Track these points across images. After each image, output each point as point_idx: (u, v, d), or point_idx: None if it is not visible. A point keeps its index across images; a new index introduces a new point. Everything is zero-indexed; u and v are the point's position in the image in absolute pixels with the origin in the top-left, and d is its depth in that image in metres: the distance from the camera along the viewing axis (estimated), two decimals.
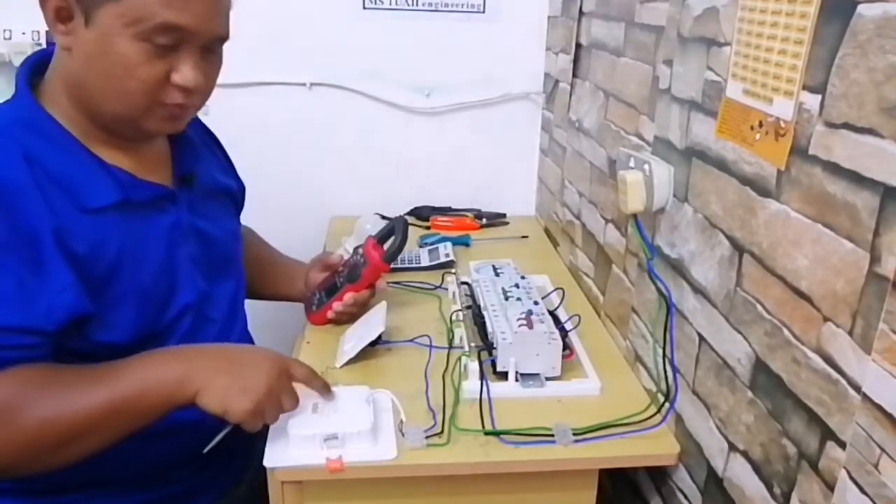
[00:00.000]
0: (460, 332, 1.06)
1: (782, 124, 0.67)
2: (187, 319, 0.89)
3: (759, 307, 0.71)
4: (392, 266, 1.10)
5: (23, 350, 0.73)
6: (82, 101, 0.81)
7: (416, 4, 1.55)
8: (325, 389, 0.84)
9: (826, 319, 0.61)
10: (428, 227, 1.57)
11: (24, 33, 1.46)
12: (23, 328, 0.73)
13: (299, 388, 0.83)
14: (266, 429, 0.84)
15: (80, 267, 0.76)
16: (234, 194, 1.08)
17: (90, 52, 0.76)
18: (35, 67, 0.84)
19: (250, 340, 1.06)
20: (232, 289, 0.99)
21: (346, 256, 1.15)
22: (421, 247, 1.43)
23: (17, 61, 1.43)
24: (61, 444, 0.73)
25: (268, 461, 0.80)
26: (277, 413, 0.80)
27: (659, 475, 0.95)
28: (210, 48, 0.82)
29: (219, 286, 0.95)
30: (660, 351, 0.93)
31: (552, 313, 1.04)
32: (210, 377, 0.76)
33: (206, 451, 0.81)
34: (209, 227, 0.94)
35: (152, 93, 0.78)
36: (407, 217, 1.59)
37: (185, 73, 0.78)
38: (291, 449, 0.80)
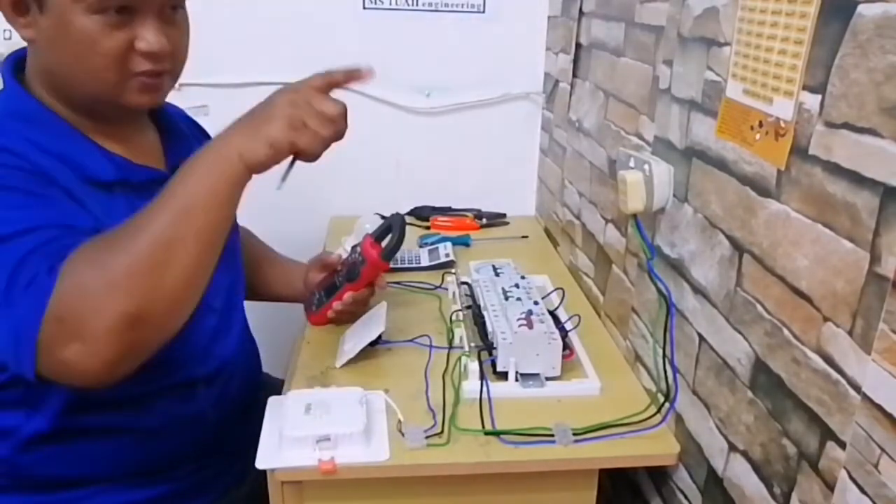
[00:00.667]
0: (460, 332, 1.06)
1: (782, 124, 0.67)
2: None
3: (759, 307, 0.71)
4: (392, 266, 1.10)
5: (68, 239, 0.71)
6: (59, 90, 0.81)
7: (416, 4, 1.55)
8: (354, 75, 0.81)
9: (826, 319, 0.61)
10: (428, 227, 1.57)
11: None
12: (57, 224, 0.72)
13: (294, 391, 0.83)
14: None
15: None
16: None
17: (51, 37, 0.77)
18: (17, 64, 0.84)
19: (250, 336, 1.05)
20: (228, 280, 0.98)
21: (345, 256, 1.15)
22: (421, 247, 1.43)
23: None
24: (158, 266, 0.68)
25: (260, 462, 0.80)
26: (320, 119, 0.74)
27: (659, 475, 0.95)
28: (169, 9, 0.81)
29: (217, 275, 0.95)
30: (660, 351, 0.93)
31: (552, 313, 1.04)
32: (238, 127, 0.73)
33: (278, 188, 0.79)
34: None
35: (119, 65, 0.78)
36: (407, 217, 1.59)
37: (147, 39, 0.77)
38: (284, 450, 0.80)
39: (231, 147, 0.72)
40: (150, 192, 0.86)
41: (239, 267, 1.03)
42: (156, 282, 0.68)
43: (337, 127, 0.76)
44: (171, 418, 0.87)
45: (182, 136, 0.97)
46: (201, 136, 1.08)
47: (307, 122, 0.73)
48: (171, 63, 0.83)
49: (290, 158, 0.76)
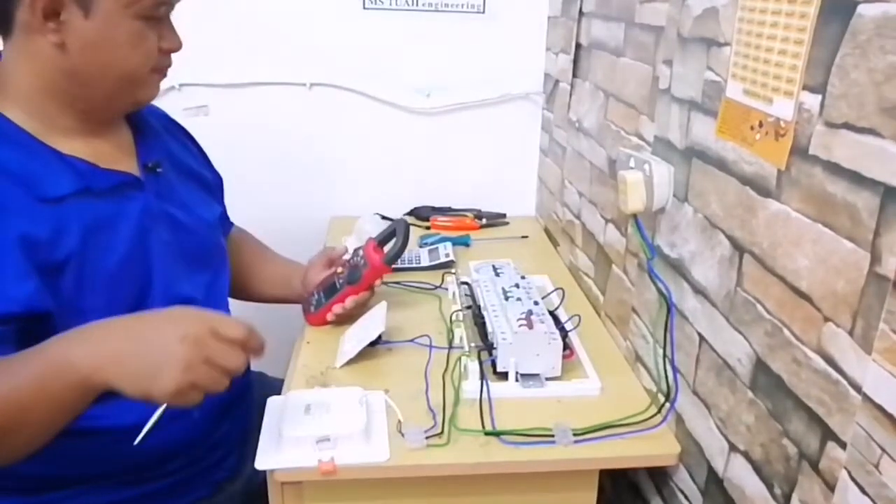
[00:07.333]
0: (460, 332, 1.06)
1: (782, 124, 0.67)
2: (161, 304, 0.88)
3: (760, 307, 0.71)
4: (392, 266, 1.10)
5: None
6: (67, 92, 0.82)
7: (416, 4, 1.55)
8: (258, 350, 0.73)
9: (826, 319, 0.61)
10: (428, 227, 1.57)
11: None
12: None
13: (294, 391, 0.82)
14: (261, 422, 0.84)
15: (41, 255, 0.76)
16: (209, 184, 1.08)
17: (92, 40, 0.80)
18: None
19: None
20: (209, 276, 0.98)
21: (349, 251, 1.15)
22: (421, 247, 1.43)
23: None
24: None
25: (259, 463, 0.80)
26: (216, 378, 0.69)
27: (659, 475, 0.95)
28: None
29: (195, 274, 0.95)
30: (660, 351, 0.93)
31: (552, 313, 1.04)
32: (117, 365, 0.68)
33: (137, 441, 0.72)
34: (181, 215, 0.95)
35: (152, 62, 0.85)
36: (407, 217, 1.59)
37: (171, 39, 0.87)
38: (283, 450, 0.80)
39: (103, 373, 0.67)
40: (117, 195, 0.87)
41: (222, 263, 1.04)
42: None
43: (235, 372, 0.70)
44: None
45: (155, 132, 0.98)
46: (180, 135, 1.08)
47: (198, 382, 0.68)
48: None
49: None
